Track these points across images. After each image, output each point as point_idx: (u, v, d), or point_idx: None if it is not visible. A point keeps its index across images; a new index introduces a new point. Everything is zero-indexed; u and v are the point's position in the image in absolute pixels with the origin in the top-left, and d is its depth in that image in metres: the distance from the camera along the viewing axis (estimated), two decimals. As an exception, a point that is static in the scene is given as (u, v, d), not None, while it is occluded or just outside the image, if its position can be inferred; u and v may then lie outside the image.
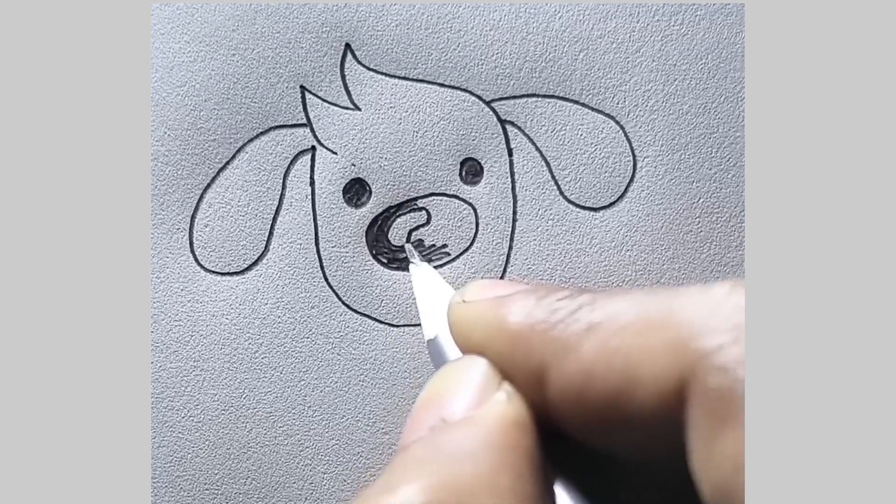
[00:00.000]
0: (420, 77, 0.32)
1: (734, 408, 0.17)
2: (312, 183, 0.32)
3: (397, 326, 0.32)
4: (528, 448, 0.19)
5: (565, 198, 0.32)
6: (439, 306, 0.24)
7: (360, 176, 0.32)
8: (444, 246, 0.32)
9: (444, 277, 0.32)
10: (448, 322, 0.22)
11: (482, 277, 0.32)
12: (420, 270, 0.27)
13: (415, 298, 0.27)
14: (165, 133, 0.32)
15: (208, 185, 0.32)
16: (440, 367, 0.22)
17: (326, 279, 0.32)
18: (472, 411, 0.19)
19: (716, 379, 0.17)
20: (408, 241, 0.32)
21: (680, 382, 0.18)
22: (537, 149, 0.32)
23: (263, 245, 0.32)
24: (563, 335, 0.19)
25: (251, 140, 0.32)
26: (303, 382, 0.31)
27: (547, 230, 0.32)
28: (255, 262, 0.32)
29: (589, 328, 0.19)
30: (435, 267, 0.32)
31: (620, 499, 0.21)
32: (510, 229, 0.32)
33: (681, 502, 0.18)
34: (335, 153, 0.32)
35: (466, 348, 0.21)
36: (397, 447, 0.20)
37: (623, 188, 0.32)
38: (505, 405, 0.19)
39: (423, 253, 0.32)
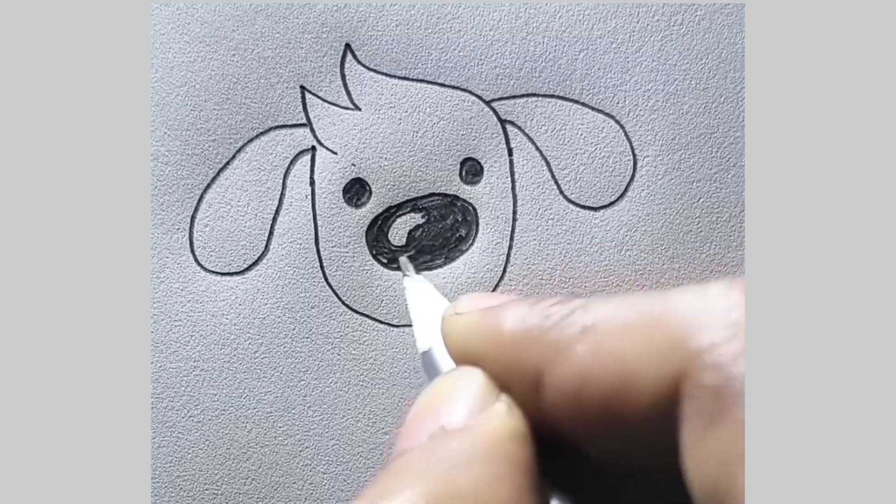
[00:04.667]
0: (420, 77, 0.32)
1: (727, 405, 0.17)
2: (312, 183, 0.32)
3: (397, 326, 0.32)
4: (527, 460, 0.19)
5: (565, 197, 0.32)
6: (433, 318, 0.24)
7: (360, 176, 0.32)
8: (444, 246, 0.32)
9: (444, 278, 0.32)
10: (442, 334, 0.22)
11: (483, 277, 0.32)
12: (414, 283, 0.27)
13: (409, 310, 0.27)
14: (165, 133, 0.32)
15: (208, 185, 0.32)
16: (435, 379, 0.22)
17: (326, 279, 0.32)
18: (472, 421, 0.19)
19: (709, 376, 0.17)
20: (407, 242, 0.32)
21: (674, 381, 0.18)
22: (537, 148, 0.32)
23: (263, 245, 0.32)
24: (558, 339, 0.19)
25: (251, 140, 0.32)
26: (303, 382, 0.31)
27: (547, 230, 0.32)
28: (256, 262, 0.32)
29: (583, 331, 0.19)
30: (435, 267, 0.32)
31: None
32: (510, 229, 0.32)
33: None
34: (335, 153, 0.32)
35: (461, 359, 0.21)
36: (393, 453, 0.20)
37: (623, 188, 0.32)
38: (504, 416, 0.19)
39: (423, 256, 0.32)
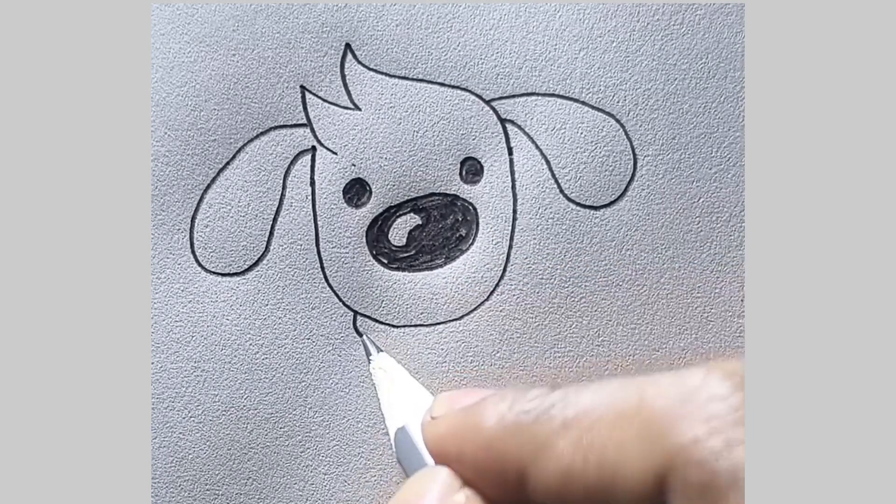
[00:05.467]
0: (420, 76, 0.32)
1: (715, 498, 0.17)
2: (313, 183, 0.32)
3: (397, 327, 0.32)
4: None
5: (566, 196, 0.32)
6: (403, 397, 0.25)
7: (360, 176, 0.32)
8: (444, 246, 0.32)
9: (445, 278, 0.32)
10: (423, 439, 0.22)
11: (483, 277, 0.32)
12: (379, 361, 0.28)
13: (378, 391, 0.28)
14: (166, 133, 0.32)
15: (209, 186, 0.32)
16: (405, 461, 0.23)
17: (327, 279, 0.32)
18: None
19: (694, 472, 0.17)
20: (408, 242, 0.32)
21: (659, 476, 0.18)
22: (537, 147, 0.32)
23: (264, 245, 0.32)
24: (539, 434, 0.19)
25: (251, 140, 0.32)
26: (303, 383, 0.31)
27: (547, 229, 0.32)
28: (256, 263, 0.32)
29: (563, 426, 0.19)
30: (435, 267, 0.32)
31: None
32: (510, 228, 0.32)
33: None
34: (335, 153, 0.32)
35: (444, 461, 0.22)
36: None
37: (623, 187, 0.32)
38: None
39: (423, 256, 0.32)
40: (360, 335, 0.30)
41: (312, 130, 0.32)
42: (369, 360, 0.27)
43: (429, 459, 0.22)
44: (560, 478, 0.19)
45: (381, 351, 0.27)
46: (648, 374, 0.19)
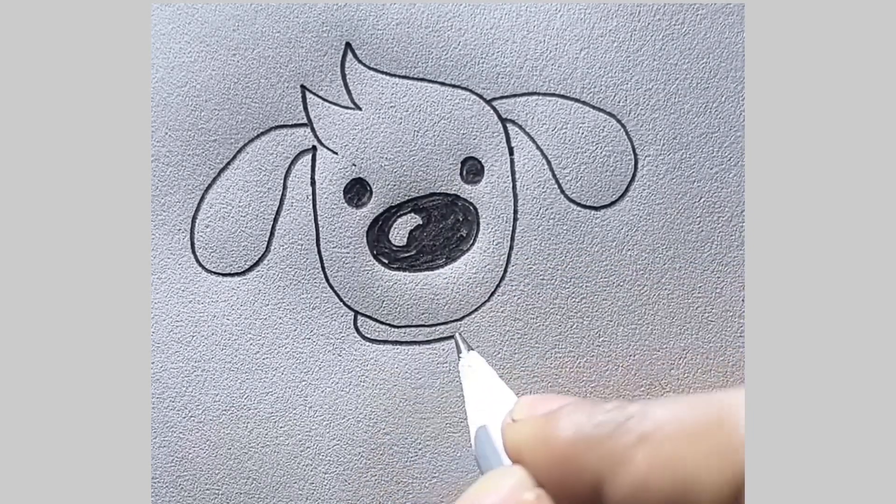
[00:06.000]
0: (421, 76, 0.32)
1: None
2: (313, 183, 0.32)
3: (398, 327, 0.32)
4: None
5: (566, 196, 0.32)
6: (486, 396, 0.25)
7: (360, 176, 0.32)
8: (445, 246, 0.32)
9: (445, 278, 0.32)
10: (504, 443, 0.22)
11: (484, 277, 0.32)
12: (469, 359, 0.28)
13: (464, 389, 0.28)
14: (166, 134, 0.32)
15: (209, 186, 0.32)
16: (483, 460, 0.23)
17: (327, 280, 0.32)
18: None
19: None
20: (408, 242, 0.32)
21: (735, 488, 0.18)
22: (538, 147, 0.32)
23: (264, 245, 0.32)
24: (616, 447, 0.19)
25: (252, 140, 0.32)
26: (304, 383, 0.31)
27: (548, 229, 0.32)
28: (257, 263, 0.32)
29: (640, 439, 0.19)
30: (436, 267, 0.32)
31: None
32: (511, 228, 0.32)
33: None
34: (336, 153, 0.32)
35: (520, 464, 0.22)
36: None
37: (624, 187, 0.32)
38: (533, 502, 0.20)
39: (423, 256, 0.32)
40: (455, 334, 0.29)
41: (313, 130, 0.32)
42: (459, 357, 0.27)
43: (506, 460, 0.22)
44: (635, 491, 0.19)
45: (472, 349, 0.27)
46: (726, 389, 0.19)
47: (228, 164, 0.32)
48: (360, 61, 0.32)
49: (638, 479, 0.19)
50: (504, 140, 0.32)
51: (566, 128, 0.32)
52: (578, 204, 0.32)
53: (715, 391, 0.19)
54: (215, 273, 0.32)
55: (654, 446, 0.19)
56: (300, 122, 0.32)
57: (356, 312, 0.32)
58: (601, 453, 0.20)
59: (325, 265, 0.32)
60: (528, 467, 0.21)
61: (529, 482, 0.21)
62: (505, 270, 0.32)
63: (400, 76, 0.32)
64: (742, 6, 0.31)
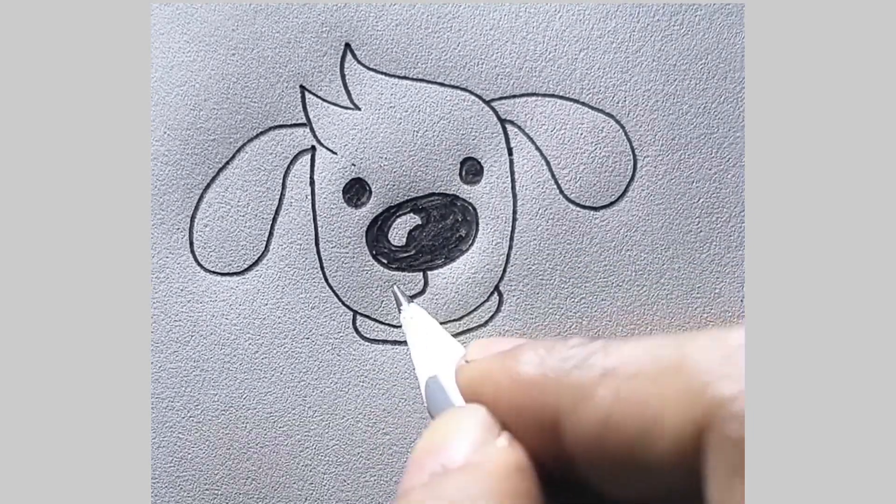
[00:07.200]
0: (420, 76, 0.32)
1: None
2: (312, 183, 0.32)
3: (397, 327, 0.32)
4: (529, 494, 0.19)
5: (565, 197, 0.32)
6: (434, 346, 0.24)
7: (360, 176, 0.32)
8: (444, 246, 0.32)
9: (445, 278, 0.32)
10: (457, 384, 0.22)
11: (483, 277, 0.32)
12: (410, 311, 0.27)
13: (408, 340, 0.27)
14: (165, 133, 0.32)
15: (208, 185, 0.32)
16: (438, 412, 0.22)
17: (326, 279, 0.32)
18: (473, 458, 0.19)
19: (733, 427, 0.17)
20: (407, 242, 0.32)
21: (697, 430, 0.18)
22: (537, 148, 0.32)
23: (263, 245, 0.32)
24: (578, 382, 0.19)
25: (251, 140, 0.32)
26: (303, 383, 0.31)
27: (547, 229, 0.32)
28: (256, 263, 0.32)
29: (603, 374, 0.19)
30: (435, 267, 0.32)
31: None
32: (510, 229, 0.32)
33: None
34: (335, 153, 0.32)
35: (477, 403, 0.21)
36: (397, 494, 0.19)
37: (623, 187, 0.32)
38: (506, 451, 0.19)
39: (423, 256, 0.32)
40: (393, 287, 0.29)
41: (312, 130, 0.32)
42: (399, 310, 0.27)
43: (461, 404, 0.22)
44: (598, 427, 0.18)
45: (413, 301, 0.27)
46: (689, 332, 0.19)
47: (227, 163, 0.32)
48: (359, 62, 0.32)
49: (600, 415, 0.18)
50: (503, 140, 0.32)
51: (565, 128, 0.32)
52: (577, 204, 0.32)
53: (677, 334, 0.19)
54: (214, 273, 0.32)
55: (617, 382, 0.18)
56: (299, 122, 0.32)
57: (355, 312, 0.32)
58: (563, 388, 0.19)
59: (324, 265, 0.32)
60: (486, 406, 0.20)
61: (492, 420, 0.20)
62: (504, 271, 0.32)
63: (399, 77, 0.32)
64: (741, 6, 0.31)
